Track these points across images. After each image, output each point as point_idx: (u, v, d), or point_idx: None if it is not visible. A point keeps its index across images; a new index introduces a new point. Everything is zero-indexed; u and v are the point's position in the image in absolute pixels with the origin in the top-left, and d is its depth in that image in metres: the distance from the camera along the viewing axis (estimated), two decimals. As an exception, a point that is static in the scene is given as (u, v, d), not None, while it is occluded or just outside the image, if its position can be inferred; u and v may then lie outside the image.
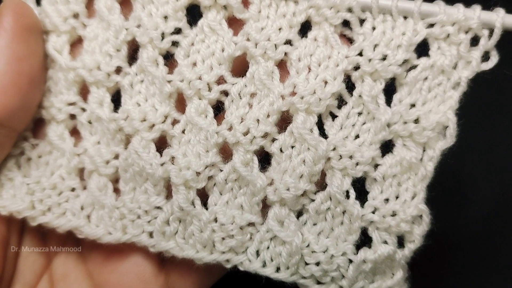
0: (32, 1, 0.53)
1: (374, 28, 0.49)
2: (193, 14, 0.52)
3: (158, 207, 0.51)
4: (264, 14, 0.50)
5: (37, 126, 0.54)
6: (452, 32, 0.47)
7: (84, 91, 0.53)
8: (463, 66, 0.49)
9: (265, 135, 0.50)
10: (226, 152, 0.51)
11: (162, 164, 0.50)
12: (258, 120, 0.49)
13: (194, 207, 0.50)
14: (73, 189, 0.53)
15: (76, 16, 0.52)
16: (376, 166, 0.50)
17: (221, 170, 0.51)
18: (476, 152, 0.78)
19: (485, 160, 0.79)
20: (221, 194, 0.51)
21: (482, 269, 0.76)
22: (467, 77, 0.48)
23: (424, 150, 0.49)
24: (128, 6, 0.52)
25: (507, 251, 0.76)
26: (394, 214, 0.49)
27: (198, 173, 0.50)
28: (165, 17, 0.51)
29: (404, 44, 0.48)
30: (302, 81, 0.49)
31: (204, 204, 0.51)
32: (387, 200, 0.50)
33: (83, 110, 0.52)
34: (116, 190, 0.53)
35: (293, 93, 0.49)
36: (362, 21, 0.49)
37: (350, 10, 0.49)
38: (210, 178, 0.51)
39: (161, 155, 0.51)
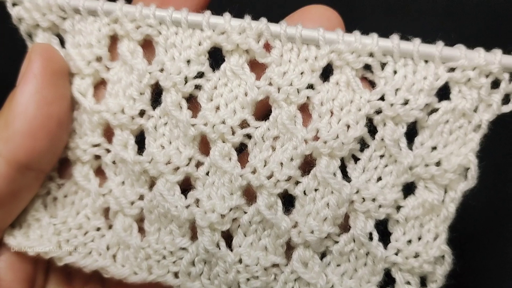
0: (57, 43, 0.54)
1: (395, 72, 0.50)
2: (216, 58, 0.53)
3: (183, 248, 0.52)
4: (286, 59, 0.51)
5: (63, 166, 0.55)
6: (473, 77, 0.48)
7: (108, 133, 0.54)
8: (483, 109, 0.49)
9: (289, 179, 0.50)
10: (250, 195, 0.52)
11: (187, 207, 0.51)
12: (281, 164, 0.50)
13: (219, 249, 0.51)
14: (98, 229, 0.54)
15: (99, 59, 0.53)
16: (398, 208, 0.51)
17: (245, 212, 0.51)
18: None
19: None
20: (245, 236, 0.52)
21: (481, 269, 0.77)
22: (487, 119, 0.49)
23: (445, 192, 0.50)
24: (150, 50, 0.53)
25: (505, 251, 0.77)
26: (417, 256, 0.50)
27: (223, 216, 0.51)
28: (188, 61, 0.52)
29: (425, 88, 0.49)
30: (325, 126, 0.50)
31: (229, 245, 0.52)
32: (409, 241, 0.50)
33: (108, 151, 0.53)
34: (141, 230, 0.54)
35: (316, 137, 0.50)
36: (383, 65, 0.50)
37: (371, 54, 0.49)
38: (234, 220, 0.52)
39: (185, 197, 0.52)
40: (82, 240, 0.53)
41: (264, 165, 0.50)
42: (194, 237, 0.52)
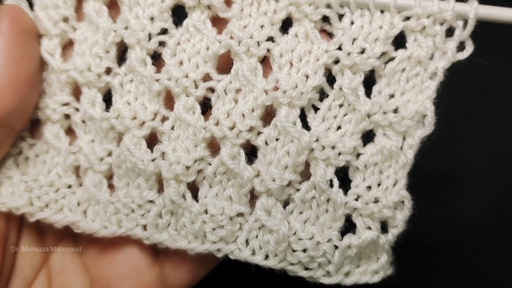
0: (26, 6, 0.55)
1: (352, 23, 0.51)
2: (178, 15, 0.54)
3: (151, 201, 0.53)
4: (246, 13, 0.52)
5: (34, 126, 0.56)
6: (427, 24, 0.49)
7: (77, 92, 0.55)
8: (439, 56, 0.50)
9: (251, 129, 0.52)
10: (214, 147, 0.53)
11: (153, 160, 0.52)
12: (243, 115, 0.51)
13: (185, 200, 0.52)
14: (69, 186, 0.55)
15: (65, 20, 0.54)
16: (358, 155, 0.52)
17: (210, 164, 0.53)
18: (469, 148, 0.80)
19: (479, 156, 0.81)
20: (210, 187, 0.53)
21: (481, 268, 0.78)
22: (443, 67, 0.50)
23: (404, 139, 0.51)
24: (115, 9, 0.54)
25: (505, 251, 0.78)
26: (376, 201, 0.51)
27: (187, 167, 0.52)
28: (152, 19, 0.53)
29: (381, 37, 0.50)
30: (284, 76, 0.51)
31: (195, 196, 0.53)
32: (369, 187, 0.52)
33: (77, 110, 0.54)
34: (111, 186, 0.55)
35: (276, 88, 0.51)
36: (341, 16, 0.51)
37: (329, 6, 0.51)
38: (199, 171, 0.53)
39: (152, 151, 0.53)
40: (53, 197, 0.54)
41: (227, 117, 0.52)
42: (161, 190, 0.54)
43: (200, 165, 0.53)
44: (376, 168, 0.52)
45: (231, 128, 0.51)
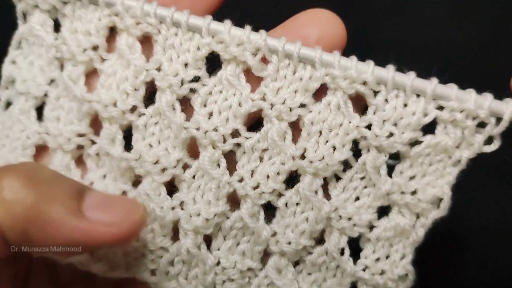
0: (52, 27, 0.54)
1: (386, 101, 0.51)
2: (213, 62, 0.53)
3: (163, 248, 0.54)
4: (282, 74, 0.51)
5: (39, 154, 0.54)
6: (460, 118, 0.50)
7: (94, 123, 0.54)
8: (465, 146, 0.51)
9: (274, 191, 0.53)
10: (234, 200, 0.54)
11: (172, 208, 0.53)
12: (268, 176, 0.52)
13: (201, 251, 0.53)
14: None
15: (95, 48, 0.52)
16: (371, 227, 0.54)
17: (228, 218, 0.54)
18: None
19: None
20: (224, 240, 0.54)
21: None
22: (467, 157, 0.51)
23: (417, 217, 0.53)
24: (149, 46, 0.53)
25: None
26: (382, 273, 0.53)
27: (207, 220, 0.53)
28: (185, 65, 0.52)
29: (412, 123, 0.50)
30: (312, 146, 0.52)
31: (207, 247, 0.55)
32: (378, 259, 0.54)
33: (92, 142, 0.53)
34: None
35: (303, 156, 0.52)
36: (376, 93, 0.51)
37: (364, 83, 0.51)
38: (216, 224, 0.54)
39: (171, 198, 0.53)
40: None
41: (251, 175, 0.53)
42: (174, 237, 0.54)
43: (219, 218, 0.53)
44: (386, 242, 0.54)
45: (255, 188, 0.52)
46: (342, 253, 0.54)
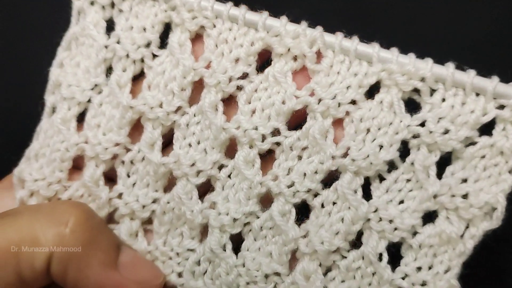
0: (104, 28, 0.53)
1: (443, 100, 0.48)
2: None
3: (190, 249, 0.52)
4: (336, 70, 0.50)
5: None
6: None
7: (133, 132, 0.53)
8: None
9: (309, 190, 0.50)
10: (265, 201, 0.51)
11: (201, 211, 0.51)
12: (304, 174, 0.50)
13: (224, 251, 0.51)
14: None
15: (148, 45, 0.52)
16: (414, 233, 0.50)
17: (258, 217, 0.51)
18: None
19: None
20: (255, 240, 0.52)
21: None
22: (526, 162, 0.47)
23: (467, 227, 0.49)
24: (199, 45, 0.52)
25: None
26: (424, 284, 0.49)
27: (235, 219, 0.51)
28: (236, 60, 0.51)
29: (470, 122, 0.47)
30: (356, 144, 0.49)
31: (238, 247, 0.52)
32: (419, 268, 0.50)
33: (127, 150, 0.53)
34: (146, 231, 0.54)
35: (345, 154, 0.49)
36: (433, 91, 0.48)
37: (423, 79, 0.48)
38: (246, 224, 0.52)
39: (201, 201, 0.52)
40: None
41: (287, 174, 0.50)
42: (203, 239, 0.52)
43: (248, 218, 0.51)
44: (430, 251, 0.49)
45: (289, 186, 0.50)
46: (380, 259, 0.50)
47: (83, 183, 0.52)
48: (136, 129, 0.53)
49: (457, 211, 0.48)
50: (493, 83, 0.46)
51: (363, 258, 0.50)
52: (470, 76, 0.47)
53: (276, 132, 0.50)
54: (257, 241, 0.52)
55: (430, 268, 0.50)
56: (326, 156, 0.49)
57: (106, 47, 0.52)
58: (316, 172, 0.50)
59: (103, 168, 0.53)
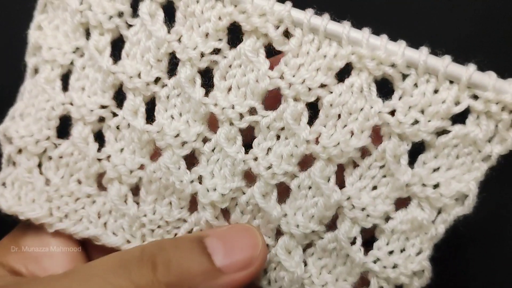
0: None
1: (415, 85, 0.47)
2: (236, 33, 0.51)
3: (181, 219, 0.54)
4: (305, 50, 0.49)
5: (62, 125, 0.54)
6: (495, 111, 0.45)
7: (117, 96, 0.53)
8: (498, 141, 0.47)
9: (286, 173, 0.51)
10: (251, 176, 0.52)
11: (191, 182, 0.52)
12: (282, 157, 0.50)
13: (218, 220, 0.53)
14: (89, 196, 0.54)
15: (120, 14, 0.52)
16: (387, 218, 0.51)
17: (244, 193, 0.52)
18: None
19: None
20: (242, 214, 0.53)
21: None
22: (499, 152, 0.47)
23: (438, 212, 0.49)
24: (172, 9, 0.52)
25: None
26: (395, 267, 0.50)
27: (223, 195, 0.52)
28: (206, 35, 0.50)
29: (441, 112, 0.47)
30: (327, 130, 0.49)
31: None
32: (391, 252, 0.51)
33: (114, 114, 0.53)
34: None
35: (317, 141, 0.49)
36: (405, 76, 0.48)
37: (393, 65, 0.47)
38: (233, 198, 0.53)
39: (190, 172, 0.52)
40: (73, 207, 0.54)
41: (266, 154, 0.51)
42: (191, 208, 0.54)
43: (235, 193, 0.52)
44: (402, 235, 0.50)
45: (267, 168, 0.51)
46: (354, 242, 0.51)
47: (72, 141, 0.53)
48: (122, 93, 0.53)
49: (428, 199, 0.49)
50: (468, 72, 0.45)
51: (337, 241, 0.52)
52: (444, 63, 0.46)
53: (253, 110, 0.50)
54: (245, 215, 0.53)
55: (402, 251, 0.51)
56: (300, 140, 0.49)
57: (80, 12, 0.52)
58: (292, 155, 0.50)
59: (91, 127, 0.53)
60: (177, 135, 0.51)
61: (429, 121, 0.47)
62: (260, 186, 0.51)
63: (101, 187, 0.55)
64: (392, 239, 0.51)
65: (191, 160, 0.53)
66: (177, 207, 0.54)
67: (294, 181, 0.51)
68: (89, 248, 0.56)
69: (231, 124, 0.51)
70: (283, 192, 0.52)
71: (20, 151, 0.53)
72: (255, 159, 0.51)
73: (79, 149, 0.53)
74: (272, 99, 0.51)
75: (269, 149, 0.51)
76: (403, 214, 0.50)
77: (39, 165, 0.54)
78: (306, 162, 0.51)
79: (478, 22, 0.62)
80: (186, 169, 0.52)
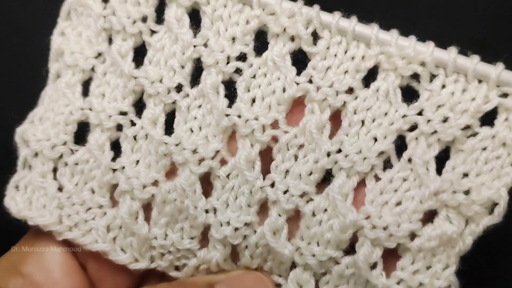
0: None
1: (443, 86, 0.46)
2: (261, 41, 0.50)
3: (190, 250, 0.50)
4: (332, 52, 0.47)
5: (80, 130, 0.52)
6: None
7: (138, 105, 0.51)
8: None
9: (303, 195, 0.47)
10: (264, 211, 0.49)
11: (206, 211, 0.48)
12: (299, 176, 0.47)
13: (227, 263, 0.50)
14: (101, 206, 0.51)
15: (144, 19, 0.51)
16: (413, 236, 0.46)
17: (255, 232, 0.48)
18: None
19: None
20: (252, 258, 0.50)
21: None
22: (529, 156, 0.45)
23: (466, 223, 0.46)
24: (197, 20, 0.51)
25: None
26: (420, 285, 0.46)
27: (236, 229, 0.48)
28: (233, 39, 0.49)
29: (471, 110, 0.44)
30: (350, 138, 0.46)
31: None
32: (416, 271, 0.46)
33: (132, 123, 0.51)
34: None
35: (340, 150, 0.47)
36: (433, 77, 0.46)
37: (423, 64, 0.45)
38: (244, 237, 0.49)
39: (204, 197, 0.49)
40: (83, 217, 0.51)
41: (283, 178, 0.47)
42: (202, 240, 0.50)
43: (247, 230, 0.48)
44: (429, 253, 0.46)
45: (285, 192, 0.47)
46: (374, 266, 0.47)
47: (88, 148, 0.51)
48: (142, 103, 0.51)
49: (459, 208, 0.45)
50: (497, 70, 0.44)
51: (355, 266, 0.47)
52: (473, 62, 0.44)
53: (275, 125, 0.48)
54: (254, 260, 0.49)
55: (428, 268, 0.47)
56: (321, 154, 0.46)
57: (104, 17, 0.51)
58: (311, 173, 0.47)
59: (108, 135, 0.51)
60: (195, 150, 0.48)
61: (458, 118, 0.45)
62: (270, 222, 0.47)
63: (114, 200, 0.51)
64: (418, 257, 0.46)
65: (205, 186, 0.49)
66: (188, 236, 0.49)
67: (308, 206, 0.47)
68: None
69: (252, 145, 0.48)
70: (292, 226, 0.49)
71: (36, 154, 0.52)
72: (272, 185, 0.48)
73: (95, 156, 0.50)
74: (295, 115, 0.49)
75: (287, 171, 0.48)
76: (430, 229, 0.46)
77: (54, 170, 0.52)
78: (321, 185, 0.48)
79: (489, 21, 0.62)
80: (201, 194, 0.48)
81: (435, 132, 0.45)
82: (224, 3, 0.49)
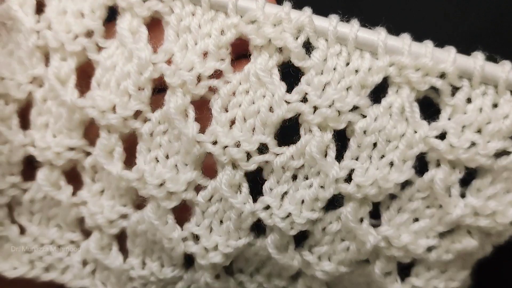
0: (32, 7, 0.41)
1: (469, 100, 0.38)
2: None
3: (175, 277, 0.45)
4: (331, 65, 0.38)
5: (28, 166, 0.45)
6: None
7: (90, 131, 0.43)
8: None
9: (308, 222, 0.42)
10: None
11: (183, 239, 0.43)
12: (302, 202, 0.41)
13: (219, 281, 0.45)
14: (72, 242, 0.46)
15: (89, 34, 0.41)
16: (430, 248, 0.43)
17: (253, 245, 0.44)
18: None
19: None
20: (251, 277, 0.46)
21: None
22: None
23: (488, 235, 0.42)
24: (157, 32, 0.41)
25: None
26: None
27: (226, 255, 0.43)
28: (204, 54, 0.40)
29: (504, 129, 0.38)
30: (361, 164, 0.40)
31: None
32: (432, 277, 0.44)
33: (88, 153, 0.43)
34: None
35: (349, 177, 0.40)
36: (455, 90, 0.38)
37: (442, 75, 0.37)
38: (239, 252, 0.44)
39: (181, 228, 0.43)
40: (57, 256, 0.46)
41: (280, 205, 0.41)
42: (187, 263, 0.45)
43: (241, 249, 0.44)
44: (445, 263, 0.43)
45: (285, 218, 0.41)
46: (389, 273, 0.44)
47: (39, 187, 0.44)
48: (95, 127, 0.43)
49: (480, 228, 0.41)
50: None
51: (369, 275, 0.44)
52: (504, 70, 0.37)
53: (264, 148, 0.41)
54: (252, 267, 0.46)
55: (443, 272, 0.44)
56: (329, 180, 0.40)
57: (37, 32, 0.41)
58: (317, 199, 0.41)
59: (60, 170, 0.44)
60: (162, 185, 0.41)
61: (488, 142, 0.38)
62: (274, 239, 0.42)
63: (86, 229, 0.46)
64: (435, 266, 0.43)
65: (182, 208, 0.43)
66: (168, 265, 0.45)
67: (317, 225, 0.42)
68: None
69: (235, 167, 0.40)
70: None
71: None
72: (266, 207, 0.41)
73: (50, 195, 0.44)
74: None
75: (284, 193, 0.41)
76: (448, 243, 0.42)
77: (10, 210, 0.45)
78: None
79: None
80: (175, 224, 0.42)
81: (459, 159, 0.38)
82: (192, 11, 0.40)
